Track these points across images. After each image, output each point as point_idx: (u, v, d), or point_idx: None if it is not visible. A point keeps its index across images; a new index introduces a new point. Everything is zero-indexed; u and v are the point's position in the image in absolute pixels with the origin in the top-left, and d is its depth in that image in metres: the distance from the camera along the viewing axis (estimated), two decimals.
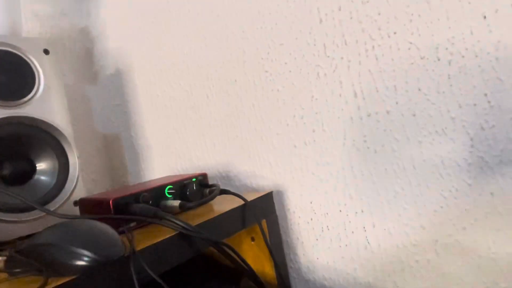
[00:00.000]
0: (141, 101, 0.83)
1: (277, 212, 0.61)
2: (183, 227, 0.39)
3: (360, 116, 0.53)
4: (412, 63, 0.48)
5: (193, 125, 0.73)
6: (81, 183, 0.60)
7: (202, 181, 0.54)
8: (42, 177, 0.57)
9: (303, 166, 0.59)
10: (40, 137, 0.56)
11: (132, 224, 0.44)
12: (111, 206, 0.43)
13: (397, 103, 0.50)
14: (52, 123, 0.57)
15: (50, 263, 0.31)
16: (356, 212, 0.55)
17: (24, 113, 0.54)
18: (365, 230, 0.54)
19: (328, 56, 0.54)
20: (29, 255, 0.32)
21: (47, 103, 0.57)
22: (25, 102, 0.55)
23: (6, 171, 0.55)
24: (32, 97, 0.56)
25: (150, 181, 0.57)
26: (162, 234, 0.40)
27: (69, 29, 0.89)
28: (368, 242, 0.55)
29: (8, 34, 0.57)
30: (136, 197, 0.46)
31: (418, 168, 0.49)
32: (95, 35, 0.90)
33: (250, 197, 0.53)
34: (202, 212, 0.49)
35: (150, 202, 0.46)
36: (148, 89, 0.80)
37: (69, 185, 0.58)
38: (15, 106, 0.54)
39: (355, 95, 0.53)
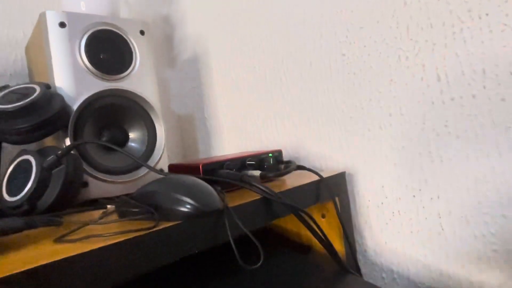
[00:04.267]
0: (215, 84, 0.87)
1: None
2: (267, 193, 0.42)
3: (443, 100, 0.52)
4: (505, 46, 0.46)
5: (265, 107, 0.76)
6: (166, 152, 0.66)
7: (278, 157, 0.57)
8: (134, 145, 0.64)
9: (376, 149, 0.60)
10: (133, 109, 0.63)
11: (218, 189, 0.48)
12: (201, 170, 0.47)
13: (484, 87, 0.48)
14: (145, 97, 0.63)
15: (158, 208, 0.35)
16: (432, 198, 0.54)
17: (122, 86, 0.61)
18: (440, 217, 0.54)
19: (411, 39, 0.54)
20: (140, 200, 0.37)
21: (141, 79, 0.63)
22: (124, 77, 0.61)
23: (104, 138, 0.62)
24: (129, 73, 0.62)
25: (227, 154, 0.61)
26: (248, 197, 0.43)
27: (153, 16, 0.97)
28: (442, 229, 0.54)
29: (110, 16, 0.63)
30: (221, 165, 0.50)
31: (503, 155, 0.47)
32: (176, 22, 0.97)
33: (324, 175, 0.55)
34: (280, 184, 0.52)
35: (234, 170, 0.50)
36: (223, 73, 0.85)
37: (156, 154, 0.64)
38: (115, 80, 0.60)
39: (439, 78, 0.52)
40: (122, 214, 0.38)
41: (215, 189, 0.42)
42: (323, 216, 0.57)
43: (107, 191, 0.58)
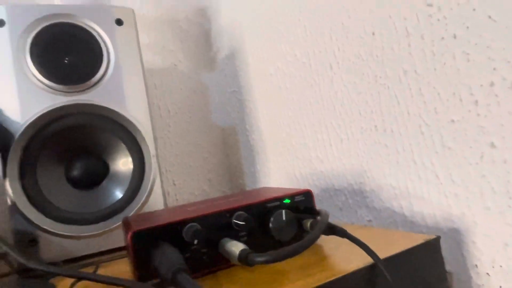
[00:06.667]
0: (254, 84, 0.65)
1: (451, 277, 0.32)
2: None
3: None
4: None
5: (313, 112, 0.50)
6: (159, 189, 0.46)
7: (300, 205, 0.31)
8: (114, 181, 0.46)
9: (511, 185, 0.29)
10: (111, 131, 0.45)
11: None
12: (130, 244, 0.25)
13: None
14: (123, 114, 0.44)
15: None
16: None
17: (88, 100, 0.43)
18: None
19: None
20: None
21: (119, 87, 0.45)
22: (92, 86, 0.44)
23: (76, 172, 0.45)
24: (100, 79, 0.44)
25: (229, 195, 0.38)
26: None
27: (186, 10, 0.79)
28: None
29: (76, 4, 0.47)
30: (178, 229, 0.27)
31: None
32: (211, 13, 0.78)
33: (392, 243, 0.27)
34: (296, 265, 0.26)
35: (200, 238, 0.27)
36: (261, 67, 0.62)
37: (142, 193, 0.45)
38: (79, 91, 0.43)
39: None
40: None
41: None
42: None
43: (67, 251, 0.41)
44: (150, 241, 0.26)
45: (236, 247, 0.25)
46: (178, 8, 0.78)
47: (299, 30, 0.51)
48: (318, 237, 0.25)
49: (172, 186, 0.73)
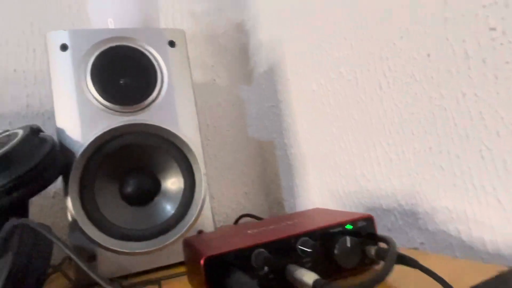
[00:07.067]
0: (294, 99, 0.65)
1: None
2: None
3: None
4: None
5: (359, 130, 0.50)
6: (208, 206, 0.47)
7: (362, 230, 0.31)
8: (166, 198, 0.47)
9: None
10: (164, 149, 0.46)
11: None
12: (203, 270, 0.26)
13: None
14: (176, 133, 0.45)
15: None
16: None
17: (143, 120, 0.45)
18: None
19: None
20: None
21: (172, 107, 0.46)
22: (146, 106, 0.45)
23: (130, 189, 0.46)
24: (154, 100, 0.46)
25: (283, 218, 0.38)
26: None
27: (224, 25, 0.81)
28: None
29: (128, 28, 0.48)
30: (247, 254, 0.27)
31: None
32: (249, 28, 0.79)
33: (461, 274, 0.27)
34: None
35: (270, 265, 0.27)
36: (302, 84, 0.62)
37: (193, 210, 0.46)
38: (134, 111, 0.45)
39: None
40: None
41: None
42: None
43: (121, 267, 0.42)
44: (221, 266, 0.27)
45: (307, 276, 0.25)
46: (217, 24, 0.80)
47: (345, 48, 0.51)
48: (392, 268, 0.25)
49: (211, 199, 0.74)
